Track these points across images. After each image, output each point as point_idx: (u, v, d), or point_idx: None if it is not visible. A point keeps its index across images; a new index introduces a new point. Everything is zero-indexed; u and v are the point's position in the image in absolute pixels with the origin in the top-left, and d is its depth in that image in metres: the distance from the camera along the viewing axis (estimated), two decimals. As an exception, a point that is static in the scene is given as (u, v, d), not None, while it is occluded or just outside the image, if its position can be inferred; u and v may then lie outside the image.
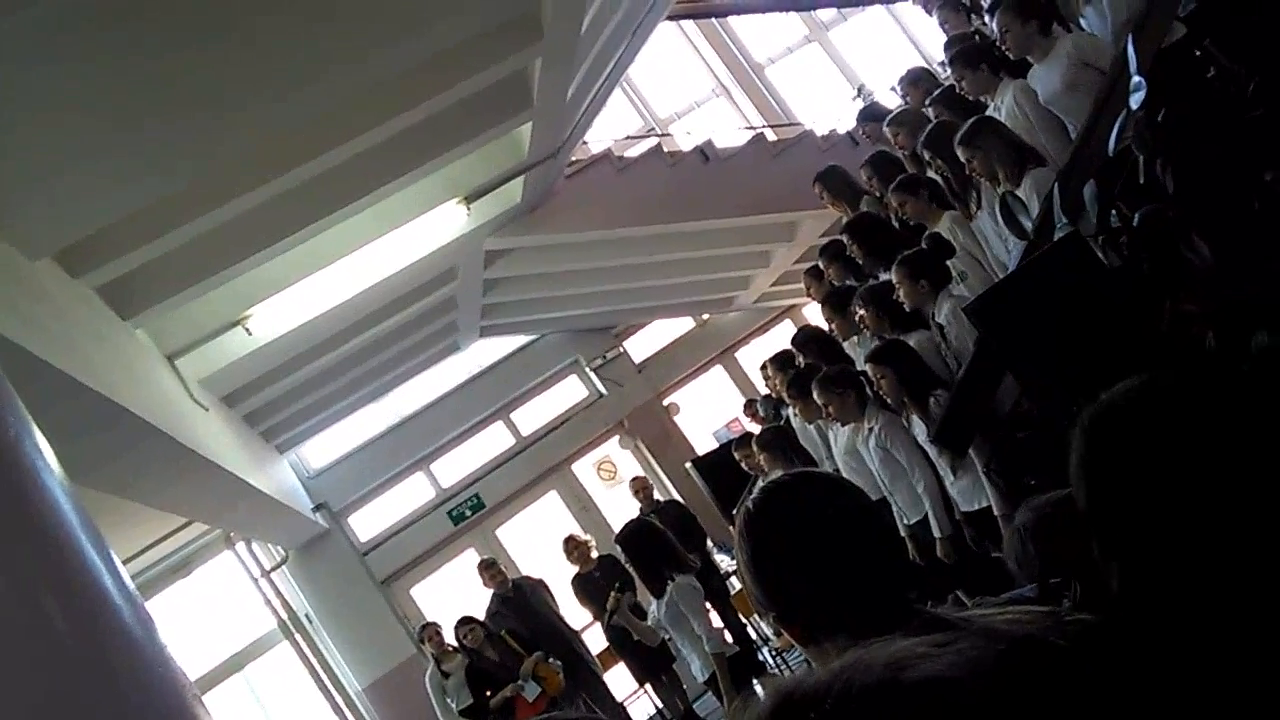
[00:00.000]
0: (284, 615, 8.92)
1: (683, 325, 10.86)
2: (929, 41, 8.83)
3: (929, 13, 6.14)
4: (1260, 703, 0.82)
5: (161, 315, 5.15)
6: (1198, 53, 3.55)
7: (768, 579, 1.21)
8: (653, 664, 7.36)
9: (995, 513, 4.05)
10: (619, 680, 7.96)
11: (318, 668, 8.94)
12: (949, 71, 5.03)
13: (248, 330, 5.91)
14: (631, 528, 4.81)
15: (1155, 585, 0.92)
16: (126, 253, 4.27)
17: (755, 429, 7.16)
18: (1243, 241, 3.07)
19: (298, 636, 8.96)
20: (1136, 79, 3.14)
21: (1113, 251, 3.31)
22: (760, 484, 6.70)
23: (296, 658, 8.98)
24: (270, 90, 3.83)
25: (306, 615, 9.23)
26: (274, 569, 9.08)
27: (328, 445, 9.93)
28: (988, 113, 4.44)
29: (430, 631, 7.40)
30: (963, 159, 4.08)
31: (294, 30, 3.71)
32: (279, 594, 8.98)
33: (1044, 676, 0.64)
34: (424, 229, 6.30)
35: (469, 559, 9.41)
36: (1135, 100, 3.14)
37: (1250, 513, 0.89)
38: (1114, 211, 3.36)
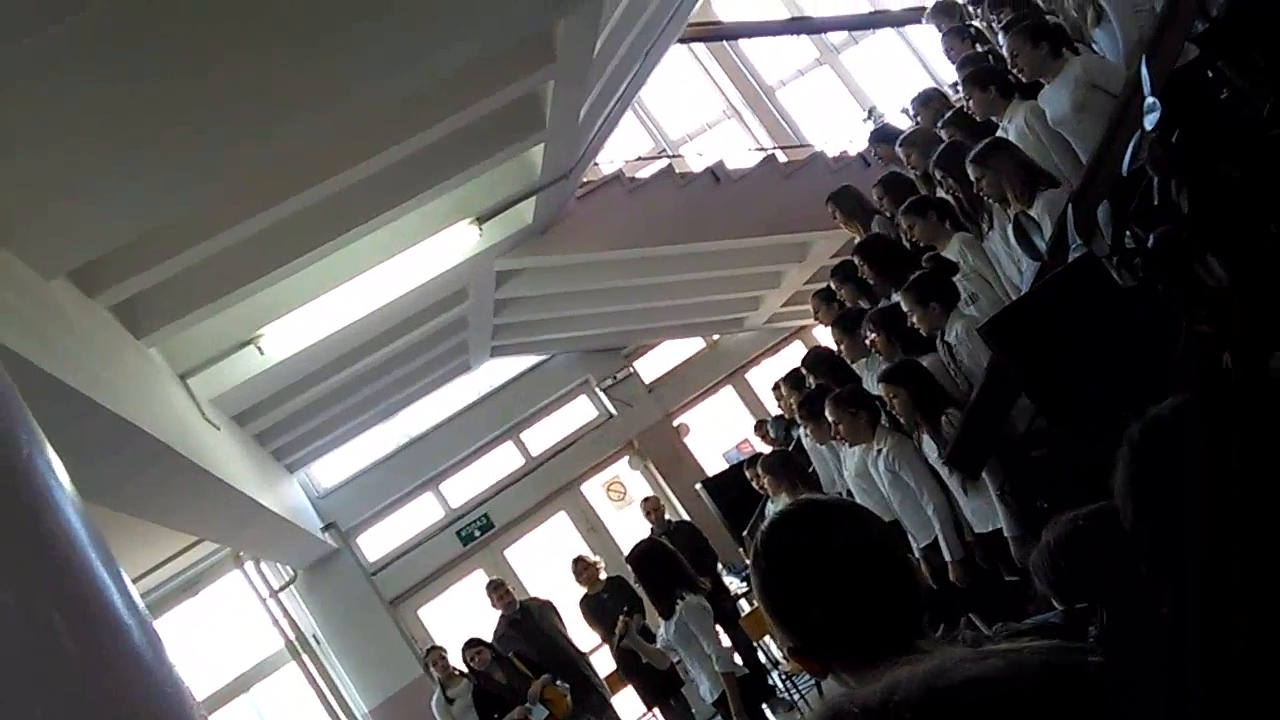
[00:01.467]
0: (291, 635, 8.89)
1: (693, 346, 10.85)
2: (939, 63, 8.85)
3: (940, 29, 6.16)
4: None
5: (174, 334, 5.17)
6: (1210, 74, 3.55)
7: (780, 608, 1.20)
8: (661, 687, 7.28)
9: (1007, 535, 4.01)
10: (627, 703, 7.90)
11: (325, 688, 8.89)
12: (960, 93, 5.04)
13: (259, 349, 5.92)
14: (642, 548, 4.79)
15: (1207, 607, 0.90)
16: (140, 272, 4.30)
17: (766, 450, 7.14)
18: (1258, 263, 3.05)
19: (305, 657, 8.92)
20: (1151, 100, 3.13)
21: (1127, 272, 3.29)
22: (770, 510, 6.67)
23: (304, 678, 8.94)
24: (284, 112, 3.85)
25: (314, 635, 9.20)
26: (282, 589, 9.06)
27: (337, 465, 9.93)
28: (998, 134, 4.44)
29: (435, 655, 7.36)
30: (972, 177, 4.08)
31: (308, 52, 3.74)
32: (287, 614, 8.96)
33: (1085, 678, 0.64)
34: (436, 249, 6.33)
35: (477, 579, 9.38)
36: (1150, 121, 3.13)
37: None
38: (1128, 232, 3.34)
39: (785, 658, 7.49)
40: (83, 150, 3.33)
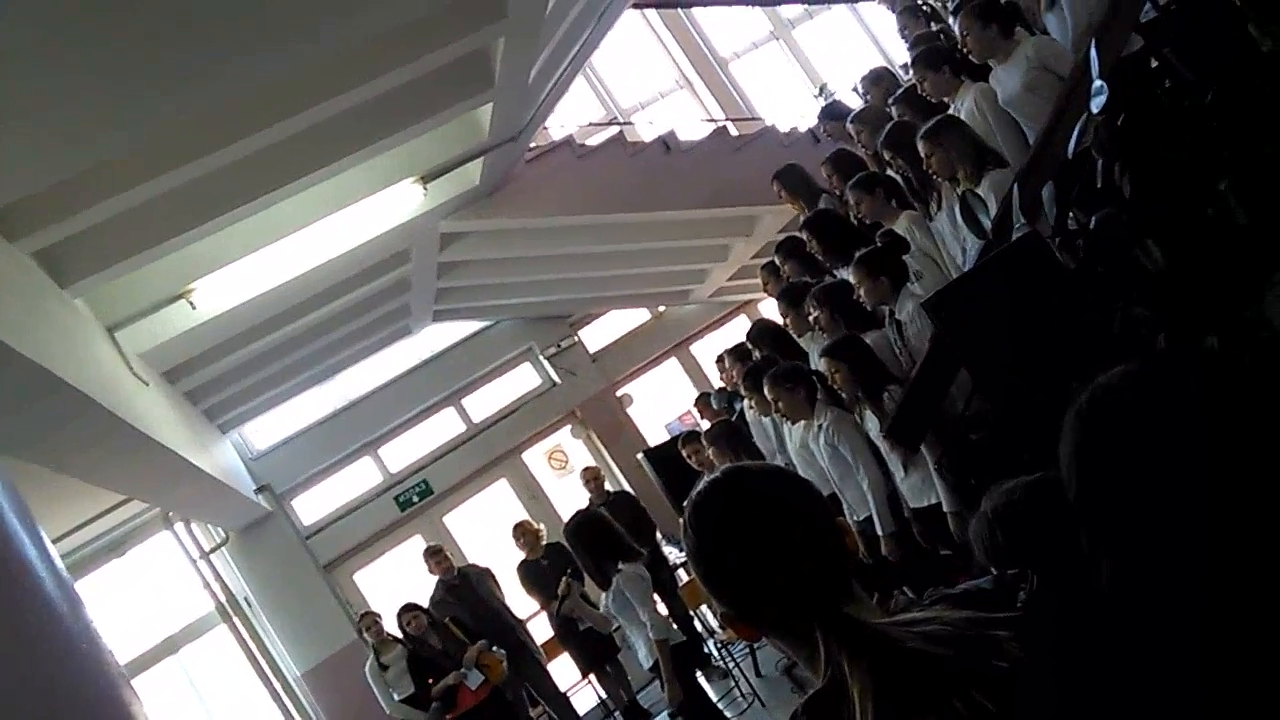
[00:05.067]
0: (222, 598, 8.72)
1: (638, 317, 10.84)
2: (892, 41, 8.88)
3: (893, 10, 6.18)
4: (1254, 699, 0.80)
5: (102, 285, 4.99)
6: (1155, 63, 3.60)
7: (710, 576, 1.19)
8: (598, 654, 7.34)
9: (945, 510, 4.08)
10: (563, 670, 7.93)
11: (255, 652, 8.76)
12: (911, 72, 5.06)
13: (191, 304, 5.75)
14: (579, 519, 4.76)
15: (1149, 580, 0.89)
16: (67, 217, 4.12)
17: (706, 425, 7.16)
18: (1195, 248, 3.11)
19: (236, 620, 8.77)
20: (1098, 83, 3.17)
21: (1068, 254, 3.34)
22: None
23: (234, 642, 8.79)
24: (223, 56, 3.71)
25: (246, 599, 9.05)
26: (213, 550, 8.88)
27: (272, 426, 9.74)
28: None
29: (369, 620, 7.31)
30: (922, 153, 4.10)
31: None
32: (218, 576, 8.78)
33: None
34: (379, 207, 6.19)
35: (415, 545, 9.30)
36: (1096, 104, 3.16)
37: (1253, 504, 0.86)
38: (1071, 214, 3.39)
39: (721, 626, 7.58)
40: (7, 87, 3.17)
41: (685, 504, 1.25)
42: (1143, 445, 0.92)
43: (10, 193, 3.69)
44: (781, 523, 1.17)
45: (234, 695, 9.01)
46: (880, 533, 4.54)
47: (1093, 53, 3.36)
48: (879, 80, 6.03)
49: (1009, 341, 3.10)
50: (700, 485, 1.25)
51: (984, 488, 2.13)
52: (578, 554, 4.68)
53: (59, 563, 1.86)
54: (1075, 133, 3.36)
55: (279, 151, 4.68)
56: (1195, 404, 0.92)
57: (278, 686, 8.76)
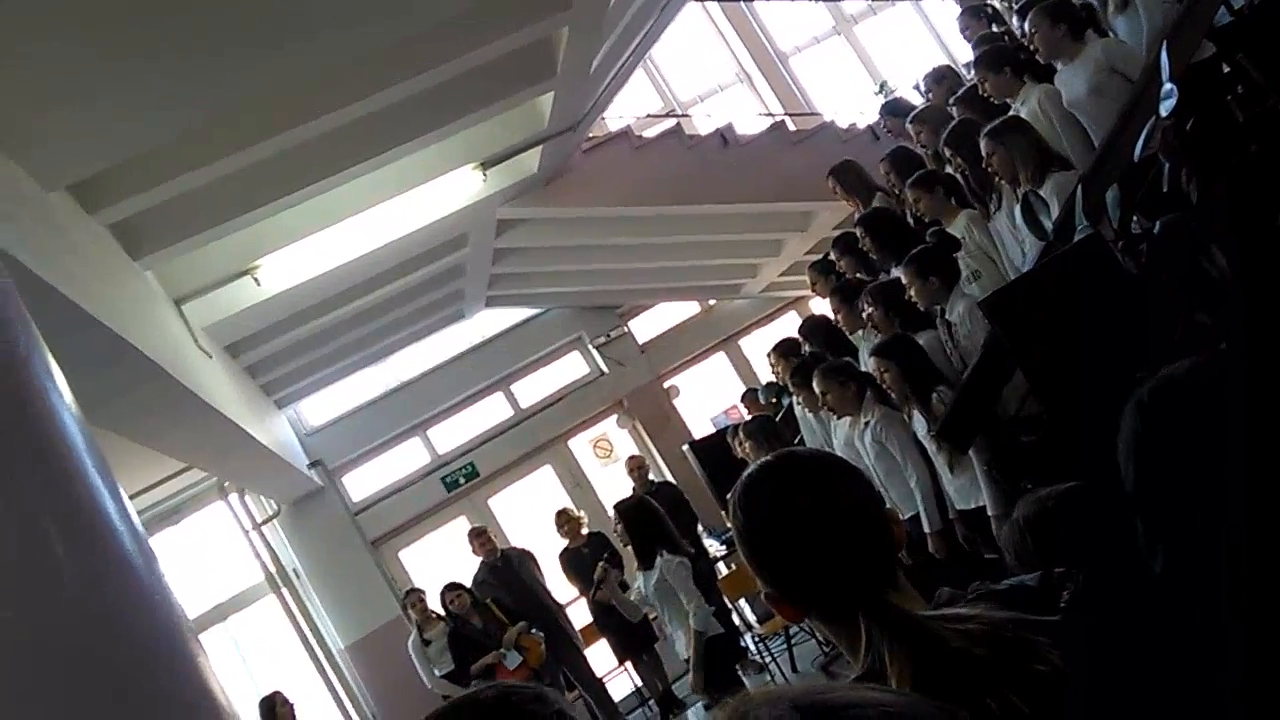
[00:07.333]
0: (272, 569, 8.94)
1: (688, 309, 10.85)
2: (955, 39, 8.77)
3: (959, 4, 6.11)
4: None
5: (171, 258, 5.14)
6: (1227, 69, 3.53)
7: (756, 556, 1.22)
8: (635, 642, 7.39)
9: (990, 513, 4.05)
10: (600, 656, 8.00)
11: (301, 623, 8.97)
12: (974, 72, 5.01)
13: (256, 280, 5.90)
14: (632, 501, 4.83)
15: (1202, 568, 0.90)
16: (140, 192, 4.26)
17: (753, 419, 7.15)
18: (1261, 257, 3.05)
19: (284, 591, 8.98)
20: (1168, 85, 3.12)
21: (1131, 258, 3.30)
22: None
23: (281, 612, 9.01)
24: (296, 37, 3.81)
25: (294, 570, 9.26)
26: (265, 522, 9.10)
27: (326, 404, 9.93)
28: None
29: (414, 598, 7.45)
30: (984, 152, 4.06)
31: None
32: (269, 547, 9.00)
33: None
34: (439, 192, 6.29)
35: (459, 526, 9.43)
36: (1165, 107, 3.11)
37: None
38: (1135, 218, 3.34)
39: (759, 621, 7.59)
40: (91, 61, 3.28)
41: (736, 485, 1.28)
42: (1203, 437, 0.93)
43: (90, 166, 3.82)
44: (830, 507, 1.19)
45: (279, 665, 9.22)
46: (928, 530, 4.52)
47: (1164, 55, 3.31)
48: (941, 79, 5.97)
49: (1067, 344, 3.07)
50: (752, 467, 1.28)
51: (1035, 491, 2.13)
52: (628, 532, 4.74)
53: (135, 517, 1.94)
54: (1143, 135, 3.31)
55: (345, 134, 4.78)
56: (1256, 399, 0.93)
57: (321, 658, 8.95)
